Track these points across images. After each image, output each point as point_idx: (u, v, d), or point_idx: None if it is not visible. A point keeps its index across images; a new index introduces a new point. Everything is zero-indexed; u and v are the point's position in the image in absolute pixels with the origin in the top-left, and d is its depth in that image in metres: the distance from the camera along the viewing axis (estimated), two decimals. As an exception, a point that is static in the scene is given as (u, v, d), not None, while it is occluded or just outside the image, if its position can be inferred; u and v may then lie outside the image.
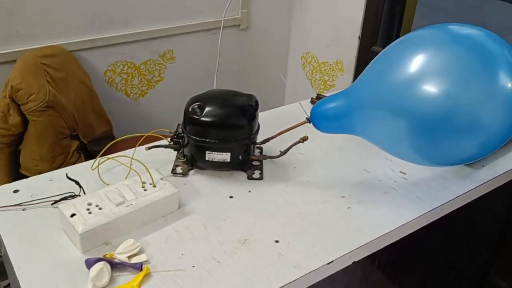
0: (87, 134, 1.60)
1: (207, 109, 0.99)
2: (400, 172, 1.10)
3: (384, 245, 0.95)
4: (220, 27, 1.83)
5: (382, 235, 0.92)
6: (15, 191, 0.97)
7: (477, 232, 1.42)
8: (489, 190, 1.15)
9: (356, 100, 0.92)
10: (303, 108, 1.00)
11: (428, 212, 1.00)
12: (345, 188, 1.05)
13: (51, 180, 1.02)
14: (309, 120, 0.99)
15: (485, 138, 0.87)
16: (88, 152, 1.61)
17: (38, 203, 0.94)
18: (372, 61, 0.96)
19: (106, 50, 1.68)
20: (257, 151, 1.14)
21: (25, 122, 1.37)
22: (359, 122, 0.92)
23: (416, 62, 0.87)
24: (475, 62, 0.84)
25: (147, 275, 0.80)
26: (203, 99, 1.01)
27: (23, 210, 0.92)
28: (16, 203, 0.92)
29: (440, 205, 1.02)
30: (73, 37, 1.60)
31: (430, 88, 0.84)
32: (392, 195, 1.04)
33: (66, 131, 1.45)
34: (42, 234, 0.87)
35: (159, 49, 1.80)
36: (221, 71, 1.95)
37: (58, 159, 1.41)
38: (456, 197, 1.05)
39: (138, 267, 0.80)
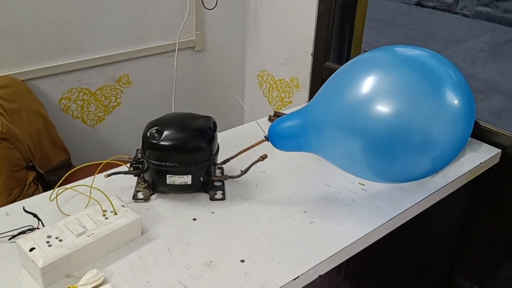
0: (44, 164, 1.56)
1: (165, 133, 0.99)
2: (359, 183, 1.13)
3: (348, 257, 0.96)
4: (175, 50, 1.83)
5: (345, 247, 0.94)
6: (-30, 228, 0.93)
7: (438, 237, 1.46)
8: (445, 195, 1.20)
9: (311, 120, 0.94)
10: (261, 127, 1.02)
11: (388, 221, 1.03)
12: (307, 203, 1.06)
13: (7, 215, 0.99)
14: (267, 138, 1.01)
15: (437, 154, 0.91)
16: (46, 183, 1.57)
17: (-5, 239, 0.91)
18: (326, 82, 0.99)
19: (59, 77, 1.65)
20: (218, 172, 1.15)
21: (-23, 155, 1.33)
22: (315, 141, 0.94)
23: (367, 84, 0.90)
24: (422, 81, 0.88)
25: (113, 306, 0.78)
26: (161, 123, 1.01)
27: (-21, 247, 0.89)
28: (-29, 241, 0.89)
29: (399, 214, 1.05)
30: (25, 66, 1.56)
31: (382, 108, 0.87)
32: (352, 207, 1.06)
33: (22, 163, 1.42)
34: (0, 270, 0.85)
35: (114, 74, 1.79)
36: (179, 94, 1.94)
37: (14, 192, 1.37)
38: (413, 205, 1.08)
39: (103, 298, 0.79)
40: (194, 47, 1.96)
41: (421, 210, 1.12)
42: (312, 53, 1.80)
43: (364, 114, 0.88)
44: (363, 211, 1.05)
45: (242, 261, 0.89)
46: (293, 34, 1.86)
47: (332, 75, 0.98)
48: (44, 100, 1.63)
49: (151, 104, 1.92)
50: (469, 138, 1.32)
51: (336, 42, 1.81)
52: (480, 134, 1.38)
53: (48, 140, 1.59)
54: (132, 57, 1.80)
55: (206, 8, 1.88)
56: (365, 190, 1.11)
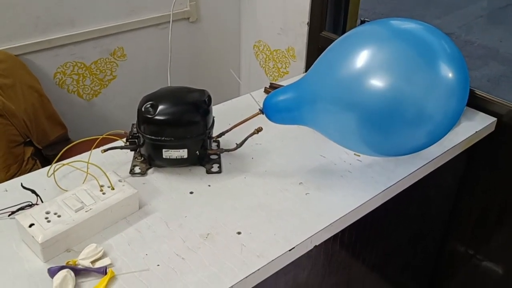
0: (41, 140, 1.57)
1: (160, 107, 0.99)
2: (355, 154, 1.14)
3: (343, 227, 0.98)
4: (169, 21, 1.81)
5: (340, 218, 0.96)
6: (-31, 205, 0.94)
7: (432, 205, 1.48)
8: (440, 164, 1.21)
9: (306, 93, 0.94)
10: (255, 100, 1.02)
11: (382, 191, 1.04)
12: (302, 175, 1.07)
13: (6, 191, 1.00)
14: (262, 111, 1.01)
15: (431, 127, 0.91)
16: (44, 158, 1.58)
17: (-6, 215, 0.92)
18: (320, 56, 0.99)
19: (53, 52, 1.64)
20: (214, 145, 1.15)
21: (-26, 132, 1.33)
22: (310, 114, 0.95)
23: (361, 58, 0.90)
24: (416, 55, 0.87)
25: (112, 278, 0.80)
26: (156, 98, 1.01)
27: (-21, 224, 0.91)
28: (-29, 218, 0.91)
29: (394, 184, 1.06)
30: (18, 41, 1.55)
31: (376, 82, 0.87)
32: (347, 178, 1.07)
33: (19, 138, 1.42)
34: (1, 246, 0.86)
35: (109, 47, 1.77)
36: (175, 66, 1.92)
37: (12, 168, 1.38)
38: (408, 175, 1.09)
39: (102, 271, 0.80)
40: (188, 18, 1.94)
41: (415, 180, 1.14)
42: (308, 23, 1.78)
43: (358, 88, 0.88)
44: (358, 182, 1.06)
45: (239, 233, 0.91)
46: (288, 3, 1.84)
47: (327, 48, 0.97)
48: (39, 75, 1.62)
49: (147, 77, 1.91)
50: (465, 107, 1.33)
51: (332, 11, 1.78)
52: (476, 102, 1.38)
53: (44, 115, 1.59)
54: (126, 29, 1.79)
55: (199, -22, 1.85)
56: (360, 161, 1.12)
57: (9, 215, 0.92)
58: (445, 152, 1.19)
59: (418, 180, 1.16)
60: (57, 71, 1.69)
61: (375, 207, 1.04)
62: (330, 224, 0.94)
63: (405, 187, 1.11)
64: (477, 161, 1.44)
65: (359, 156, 1.13)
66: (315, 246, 0.94)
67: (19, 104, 1.47)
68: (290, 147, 1.17)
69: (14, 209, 0.92)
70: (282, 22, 1.90)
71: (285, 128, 1.20)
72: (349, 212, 0.97)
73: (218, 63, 2.13)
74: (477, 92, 1.39)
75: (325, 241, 0.97)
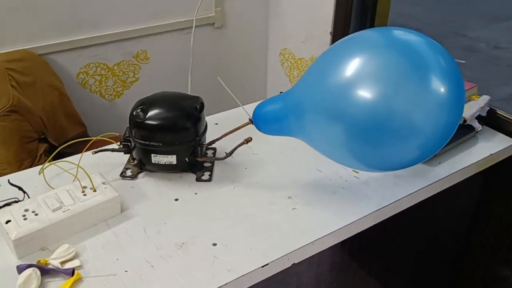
0: (58, 137, 1.61)
1: (150, 112, 0.99)
2: (353, 171, 1.09)
3: (327, 246, 0.94)
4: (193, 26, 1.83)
5: (323, 236, 0.92)
6: (-39, 197, 0.97)
7: (445, 226, 1.40)
8: (447, 186, 1.14)
9: (292, 103, 0.91)
10: (246, 111, 1.00)
11: (375, 211, 0.99)
12: (294, 188, 1.04)
13: (0, 185, 1.03)
14: (251, 121, 0.98)
15: (422, 140, 0.86)
16: (60, 155, 1.62)
17: (-18, 209, 0.95)
18: (313, 62, 0.95)
19: (77, 52, 1.69)
20: (210, 152, 1.14)
21: (-10, 127, 1.39)
22: (297, 125, 0.92)
23: (352, 66, 0.86)
24: (407, 66, 0.83)
25: (78, 281, 0.80)
26: (148, 102, 1.01)
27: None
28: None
29: (389, 204, 1.01)
30: (43, 41, 1.60)
31: (364, 92, 0.83)
32: (340, 194, 1.03)
33: (33, 135, 1.46)
34: (-16, 240, 0.88)
35: (132, 50, 1.81)
36: (198, 71, 1.94)
37: (25, 163, 1.42)
38: (406, 195, 1.04)
39: (69, 272, 0.80)
40: (213, 23, 1.94)
41: (417, 201, 1.08)
42: (331, 32, 1.74)
43: (345, 98, 0.84)
44: (350, 200, 1.01)
45: (214, 244, 0.89)
46: (313, 11, 1.81)
47: (320, 55, 0.94)
48: (62, 74, 1.67)
49: (169, 80, 1.93)
50: (481, 127, 1.25)
51: (358, 21, 1.74)
52: (496, 123, 1.30)
53: (64, 113, 1.64)
54: (149, 33, 1.81)
55: (224, -16, 1.85)
56: (357, 178, 1.08)
57: (-4, 210, 0.94)
58: (453, 173, 1.12)
59: (426, 201, 1.09)
60: (80, 71, 1.74)
61: (366, 227, 0.99)
62: (312, 242, 0.90)
63: (404, 208, 1.06)
64: (498, 183, 1.35)
65: (357, 172, 1.09)
66: (294, 264, 0.90)
67: (37, 102, 1.51)
68: (287, 159, 1.14)
69: (1, 204, 0.94)
70: (307, 30, 1.87)
71: (285, 139, 1.17)
72: (334, 231, 0.93)
73: (242, 69, 2.12)
74: (498, 112, 1.30)
75: (309, 259, 0.93)
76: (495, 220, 1.40)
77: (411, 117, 0.83)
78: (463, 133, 1.22)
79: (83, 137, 1.73)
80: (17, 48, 1.56)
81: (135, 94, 1.90)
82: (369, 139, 0.86)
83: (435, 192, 1.12)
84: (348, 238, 0.96)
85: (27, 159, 1.43)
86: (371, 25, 1.76)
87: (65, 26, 1.64)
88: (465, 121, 1.23)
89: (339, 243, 0.95)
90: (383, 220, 1.02)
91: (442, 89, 0.82)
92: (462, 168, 1.15)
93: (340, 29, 1.70)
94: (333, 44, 0.95)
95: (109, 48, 1.76)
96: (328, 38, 1.76)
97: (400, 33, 0.91)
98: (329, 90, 0.87)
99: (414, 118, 0.83)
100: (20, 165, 1.42)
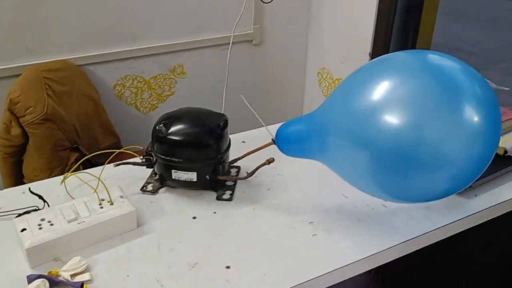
0: (91, 147, 1.63)
1: (172, 128, 0.98)
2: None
3: (346, 278, 0.89)
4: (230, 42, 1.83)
5: (342, 267, 0.87)
6: (-14, 202, 0.99)
7: (483, 268, 1.31)
8: (482, 221, 1.06)
9: (317, 125, 0.88)
10: (269, 131, 0.97)
11: (400, 243, 0.93)
12: (316, 213, 1.00)
13: (23, 193, 1.04)
14: (274, 141, 0.96)
15: (454, 172, 0.81)
16: (92, 164, 1.64)
17: (4, 215, 0.96)
18: (342, 82, 0.92)
19: (115, 64, 1.72)
20: (234, 171, 1.12)
21: (26, 133, 1.42)
22: (320, 149, 0.88)
23: (380, 89, 0.82)
24: (440, 93, 0.78)
25: (85, 295, 0.79)
26: (171, 118, 1.00)
27: (-13, 221, 0.94)
28: (-18, 214, 0.95)
29: (416, 236, 0.95)
30: (82, 52, 1.64)
31: (391, 118, 0.79)
32: (365, 223, 0.98)
33: (66, 143, 1.49)
34: (3, 245, 0.89)
35: (169, 64, 1.82)
36: (234, 87, 1.93)
37: (56, 171, 1.44)
38: (436, 229, 0.98)
39: (78, 286, 0.79)
40: (251, 40, 1.94)
41: (447, 236, 1.01)
42: (370, 53, 1.70)
43: (371, 123, 0.80)
44: (375, 229, 0.96)
45: (228, 267, 0.86)
46: (354, 31, 1.77)
47: (349, 75, 0.90)
48: (99, 86, 1.70)
49: (204, 95, 1.94)
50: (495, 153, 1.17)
51: (399, 42, 1.69)
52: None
53: (98, 123, 1.66)
54: (187, 47, 1.83)
55: (263, 2, 1.84)
56: (385, 207, 1.02)
57: (16, 217, 0.95)
58: (488, 208, 1.05)
59: (459, 236, 1.03)
60: (116, 83, 1.77)
61: (390, 259, 0.94)
62: (329, 272, 0.86)
63: (433, 241, 0.99)
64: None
65: (386, 201, 1.03)
66: (309, 294, 0.86)
67: (72, 111, 1.54)
68: (312, 182, 1.10)
69: (22, 211, 0.95)
70: (346, 50, 1.84)
71: (311, 162, 1.13)
72: (354, 262, 0.88)
73: (279, 88, 2.10)
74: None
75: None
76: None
77: (442, 148, 0.78)
78: (504, 164, 1.15)
79: (116, 148, 1.76)
80: (57, 58, 1.60)
81: (170, 107, 1.90)
82: (395, 169, 0.81)
83: (469, 227, 1.05)
84: (379, 268, 0.91)
85: (58, 167, 1.46)
86: (413, 47, 1.71)
87: (105, 38, 1.68)
88: (506, 152, 1.15)
89: (367, 272, 0.90)
90: (414, 254, 0.96)
91: (477, 119, 0.76)
92: (500, 202, 1.07)
93: (380, 50, 1.66)
94: (364, 65, 0.91)
95: (146, 62, 1.78)
96: (367, 59, 1.72)
97: (435, 58, 0.86)
98: (355, 114, 0.83)
99: (445, 149, 0.78)
100: (51, 173, 1.45)
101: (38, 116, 1.37)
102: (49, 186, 1.06)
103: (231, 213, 0.99)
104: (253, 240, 0.92)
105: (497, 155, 1.15)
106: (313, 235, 0.94)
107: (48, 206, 0.96)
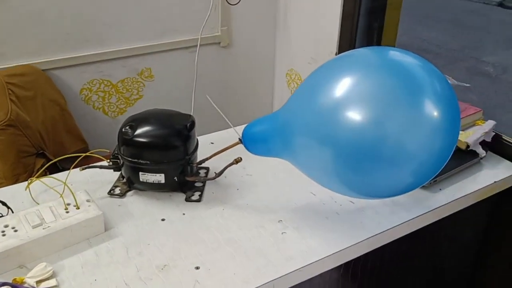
0: (58, 152, 1.60)
1: (139, 129, 0.97)
2: (349, 195, 1.05)
3: (314, 274, 0.90)
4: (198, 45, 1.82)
5: (310, 264, 0.88)
6: None
7: (447, 259, 1.34)
8: (447, 214, 1.09)
9: (280, 124, 0.88)
10: (236, 131, 0.97)
11: (367, 239, 0.95)
12: (285, 212, 1.01)
13: (-13, 200, 1.01)
14: (241, 141, 0.96)
15: (416, 167, 0.82)
16: (59, 170, 1.61)
17: (-34, 223, 0.93)
18: (304, 80, 0.93)
19: (81, 68, 1.69)
20: (203, 172, 1.12)
21: (-10, 140, 1.38)
22: (284, 147, 0.89)
23: (341, 86, 0.83)
24: (400, 89, 0.80)
25: (52, 302, 0.77)
26: (137, 119, 1.00)
27: None
28: None
29: (383, 231, 0.97)
30: (47, 56, 1.61)
31: (353, 115, 0.80)
32: (333, 220, 0.99)
33: (31, 149, 1.46)
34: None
35: (136, 67, 1.80)
36: (203, 89, 1.93)
37: (21, 178, 1.41)
38: (402, 223, 1.00)
39: (44, 292, 0.78)
40: (219, 42, 1.94)
41: (413, 229, 1.03)
42: (336, 53, 1.72)
43: (332, 120, 0.81)
44: (343, 226, 0.97)
45: (197, 268, 0.85)
46: (319, 32, 1.79)
47: (312, 72, 0.91)
48: (66, 90, 1.67)
49: (173, 98, 1.92)
50: (486, 153, 1.20)
51: (364, 43, 1.72)
52: (502, 149, 1.25)
53: (64, 128, 1.63)
54: (154, 50, 1.81)
55: (229, 4, 1.85)
56: (353, 203, 1.04)
57: (-22, 225, 0.93)
58: (453, 201, 1.08)
59: (426, 229, 1.05)
60: (83, 87, 1.74)
61: (358, 255, 0.95)
62: (298, 269, 0.87)
63: (400, 236, 1.01)
64: (505, 212, 1.30)
65: (352, 198, 1.05)
66: (279, 291, 0.86)
67: (37, 116, 1.51)
68: (280, 181, 1.10)
69: (-16, 219, 0.93)
70: (313, 51, 1.86)
71: (280, 161, 1.14)
72: (322, 258, 0.89)
73: (248, 89, 2.11)
74: (504, 138, 1.26)
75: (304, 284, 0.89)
76: (501, 254, 1.34)
77: (403, 143, 0.80)
78: (466, 159, 1.18)
79: (84, 153, 1.73)
80: (21, 63, 1.57)
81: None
82: (358, 166, 0.82)
83: (434, 220, 1.07)
84: (348, 263, 0.92)
85: (23, 173, 1.42)
86: (378, 45, 1.73)
87: (70, 42, 1.65)
88: (468, 146, 1.18)
89: (336, 268, 0.91)
90: (383, 249, 0.97)
91: (435, 113, 0.78)
92: (464, 195, 1.10)
93: (345, 50, 1.68)
94: (325, 62, 0.92)
95: (113, 65, 1.76)
96: (333, 59, 1.74)
97: (395, 54, 0.88)
98: (316, 112, 0.83)
99: (406, 144, 0.80)
100: (17, 180, 1.41)
101: (2, 122, 1.33)
102: (13, 192, 1.03)
103: (200, 214, 0.99)
104: (221, 241, 0.92)
105: (460, 150, 1.19)
106: (282, 233, 0.94)
107: (12, 212, 0.94)
